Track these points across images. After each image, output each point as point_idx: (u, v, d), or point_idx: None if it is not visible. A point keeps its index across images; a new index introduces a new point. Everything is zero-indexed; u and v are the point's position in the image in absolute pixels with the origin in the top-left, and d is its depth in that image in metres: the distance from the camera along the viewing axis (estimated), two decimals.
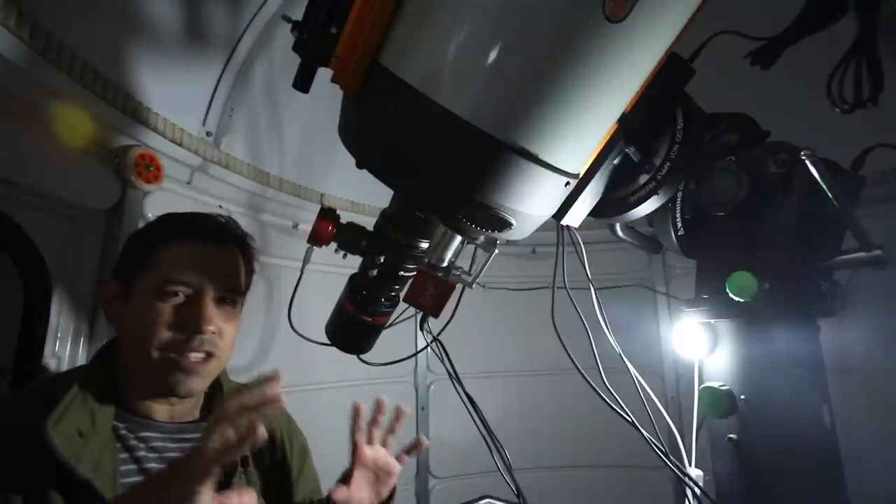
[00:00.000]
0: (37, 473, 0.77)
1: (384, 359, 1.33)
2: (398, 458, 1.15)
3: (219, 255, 0.97)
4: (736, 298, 1.21)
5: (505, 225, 0.82)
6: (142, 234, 1.03)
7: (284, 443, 1.15)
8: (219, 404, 1.04)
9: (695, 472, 1.36)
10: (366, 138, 0.85)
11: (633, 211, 1.19)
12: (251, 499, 0.74)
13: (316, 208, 1.15)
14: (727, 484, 1.28)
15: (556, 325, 1.25)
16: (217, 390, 1.06)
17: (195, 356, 0.91)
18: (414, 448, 1.17)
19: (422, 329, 1.26)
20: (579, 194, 1.01)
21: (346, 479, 1.09)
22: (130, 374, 0.93)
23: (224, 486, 0.93)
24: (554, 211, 0.96)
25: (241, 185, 1.89)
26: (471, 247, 1.03)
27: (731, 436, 1.26)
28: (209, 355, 0.93)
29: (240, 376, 1.19)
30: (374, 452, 1.12)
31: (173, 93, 1.59)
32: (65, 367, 1.31)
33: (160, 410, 0.95)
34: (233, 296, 0.99)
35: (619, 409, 1.23)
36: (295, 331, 1.27)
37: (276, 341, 2.01)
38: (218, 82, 1.75)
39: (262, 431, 0.70)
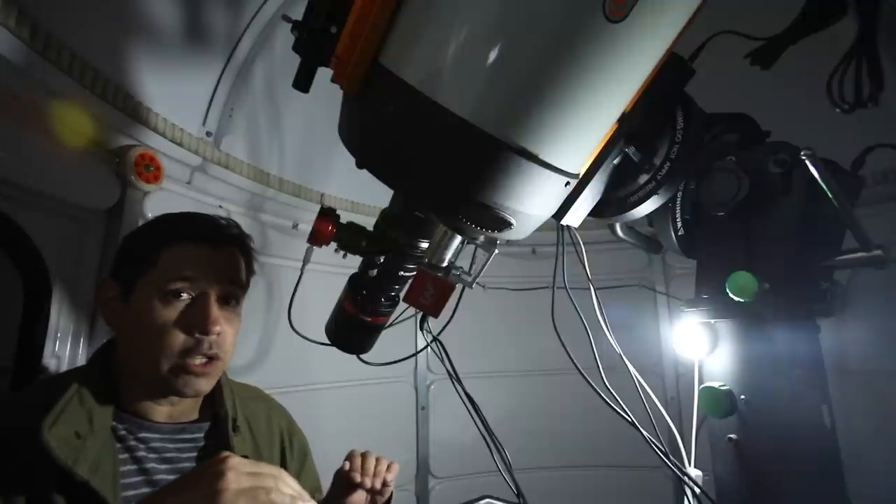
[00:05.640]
0: (38, 476, 0.77)
1: (384, 359, 1.32)
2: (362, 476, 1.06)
3: (219, 254, 0.98)
4: (736, 298, 1.21)
5: (505, 225, 0.82)
6: (140, 235, 1.02)
7: (284, 440, 1.15)
8: (217, 404, 1.05)
9: (695, 472, 1.36)
10: (366, 138, 0.85)
11: (633, 211, 1.19)
12: None
13: (316, 208, 1.14)
14: (727, 484, 1.28)
15: (556, 325, 1.24)
16: (216, 390, 1.05)
17: (202, 360, 0.91)
18: (387, 470, 1.09)
19: (422, 329, 1.26)
20: (579, 194, 1.01)
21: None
22: (131, 375, 0.93)
23: None
24: (554, 211, 0.96)
25: (241, 185, 1.89)
26: (471, 247, 1.03)
27: (731, 436, 1.26)
28: (214, 357, 0.93)
29: (240, 376, 1.19)
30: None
31: (173, 93, 1.59)
32: (65, 367, 1.31)
33: (159, 411, 0.95)
34: (236, 290, 0.99)
35: (619, 409, 1.23)
36: (295, 331, 1.27)
37: (276, 341, 2.01)
38: (218, 82, 1.75)
39: None
